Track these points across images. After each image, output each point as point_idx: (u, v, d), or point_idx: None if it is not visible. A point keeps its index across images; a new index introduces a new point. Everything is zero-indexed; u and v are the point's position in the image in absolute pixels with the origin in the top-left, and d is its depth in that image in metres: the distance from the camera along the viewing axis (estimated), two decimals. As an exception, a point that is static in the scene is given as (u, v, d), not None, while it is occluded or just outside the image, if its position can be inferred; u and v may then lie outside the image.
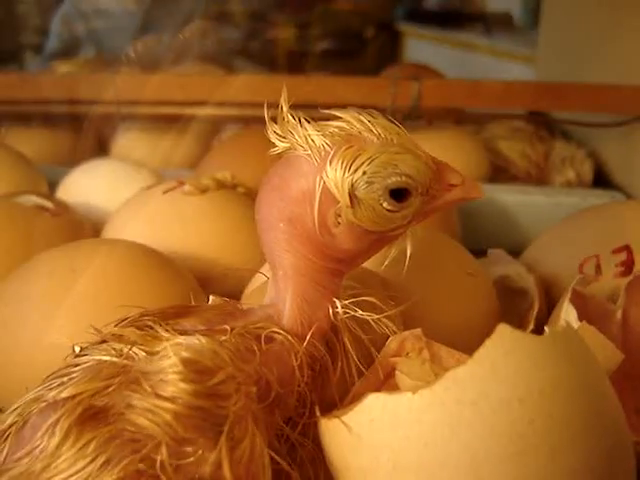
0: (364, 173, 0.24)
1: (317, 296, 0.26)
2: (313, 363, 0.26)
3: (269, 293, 0.27)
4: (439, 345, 0.30)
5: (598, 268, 0.40)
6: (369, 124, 0.25)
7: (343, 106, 0.26)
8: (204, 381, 0.22)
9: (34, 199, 0.48)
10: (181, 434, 0.21)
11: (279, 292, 0.26)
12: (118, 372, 0.23)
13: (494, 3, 1.70)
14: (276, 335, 0.25)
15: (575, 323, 0.33)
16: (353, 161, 0.24)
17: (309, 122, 0.25)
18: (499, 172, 0.69)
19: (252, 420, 0.23)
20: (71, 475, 0.21)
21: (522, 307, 0.40)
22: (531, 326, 0.38)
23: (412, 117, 0.60)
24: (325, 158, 0.24)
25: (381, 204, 0.24)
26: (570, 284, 0.36)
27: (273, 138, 0.25)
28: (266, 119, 0.25)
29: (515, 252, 0.47)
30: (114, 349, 0.24)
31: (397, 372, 0.29)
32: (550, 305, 0.39)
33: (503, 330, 0.22)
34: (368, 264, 0.30)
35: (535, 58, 1.03)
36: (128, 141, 0.74)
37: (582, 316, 0.33)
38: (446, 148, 0.63)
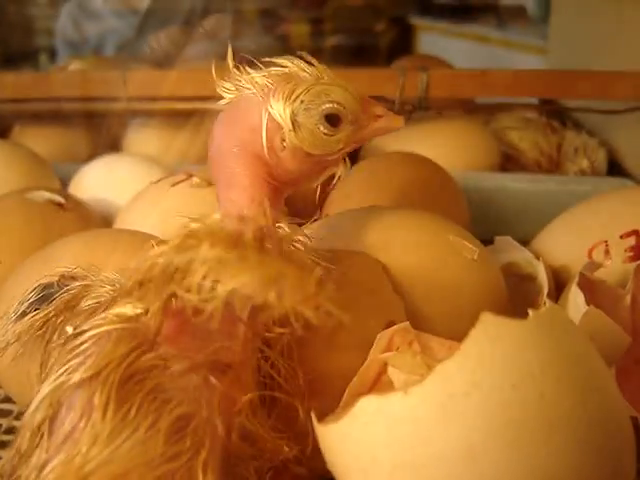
0: (302, 102, 0.28)
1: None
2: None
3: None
4: (429, 336, 0.31)
5: (607, 253, 0.40)
6: (302, 65, 0.29)
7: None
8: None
9: (46, 194, 0.48)
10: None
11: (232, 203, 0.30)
12: (133, 334, 0.24)
13: (507, -5, 1.69)
14: None
15: (583, 307, 0.32)
16: (292, 93, 0.28)
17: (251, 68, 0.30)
18: (510, 163, 0.68)
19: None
20: (119, 445, 0.22)
21: (531, 293, 0.40)
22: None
23: (421, 108, 0.60)
24: (268, 93, 0.29)
25: (318, 128, 0.28)
26: (579, 270, 0.36)
27: (223, 93, 0.30)
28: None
29: (526, 241, 0.47)
30: (113, 315, 0.25)
31: (389, 367, 0.29)
32: (559, 292, 0.39)
33: (486, 318, 0.22)
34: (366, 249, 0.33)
35: (547, 50, 1.03)
36: (139, 137, 0.74)
37: (590, 301, 0.33)
38: (456, 138, 0.62)
